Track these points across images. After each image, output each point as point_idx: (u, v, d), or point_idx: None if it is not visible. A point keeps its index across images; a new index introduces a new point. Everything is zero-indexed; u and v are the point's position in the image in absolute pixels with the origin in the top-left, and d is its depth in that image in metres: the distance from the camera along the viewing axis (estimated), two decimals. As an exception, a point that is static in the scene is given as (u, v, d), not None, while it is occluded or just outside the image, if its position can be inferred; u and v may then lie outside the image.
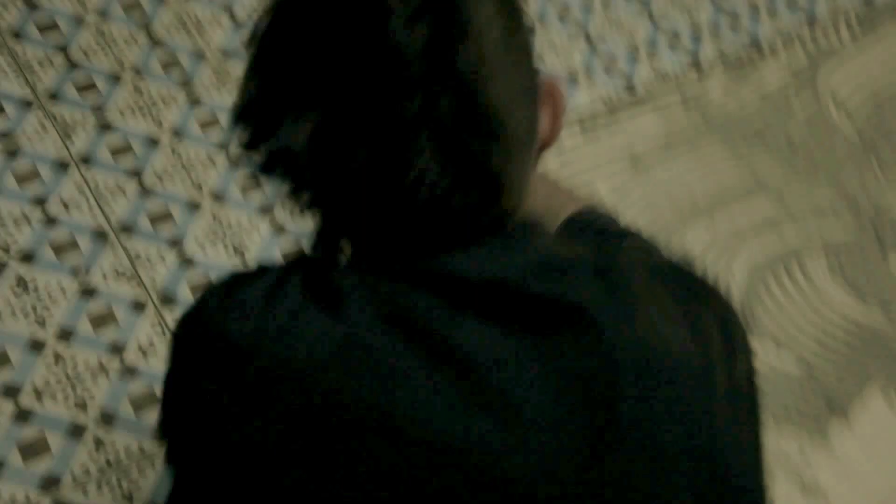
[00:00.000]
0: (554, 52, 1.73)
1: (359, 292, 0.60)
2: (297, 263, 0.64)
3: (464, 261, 0.61)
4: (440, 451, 0.55)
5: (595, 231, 0.90)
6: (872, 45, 1.81)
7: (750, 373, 0.67)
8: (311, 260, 0.65)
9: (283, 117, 0.59)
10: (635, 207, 1.64)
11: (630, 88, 1.69)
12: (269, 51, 0.61)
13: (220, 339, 0.62)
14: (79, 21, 1.51)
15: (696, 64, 1.73)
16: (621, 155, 1.67)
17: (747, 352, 0.67)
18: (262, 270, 0.64)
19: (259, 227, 1.45)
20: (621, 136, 1.68)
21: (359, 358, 0.57)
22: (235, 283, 0.65)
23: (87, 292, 1.26)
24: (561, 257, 0.63)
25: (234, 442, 0.59)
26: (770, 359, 1.52)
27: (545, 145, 0.70)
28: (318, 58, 0.58)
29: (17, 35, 1.48)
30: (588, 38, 1.76)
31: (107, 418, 1.21)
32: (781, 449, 1.51)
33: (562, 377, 0.58)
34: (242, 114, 0.62)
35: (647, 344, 0.60)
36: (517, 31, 0.63)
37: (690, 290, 0.67)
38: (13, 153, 1.36)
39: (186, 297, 1.33)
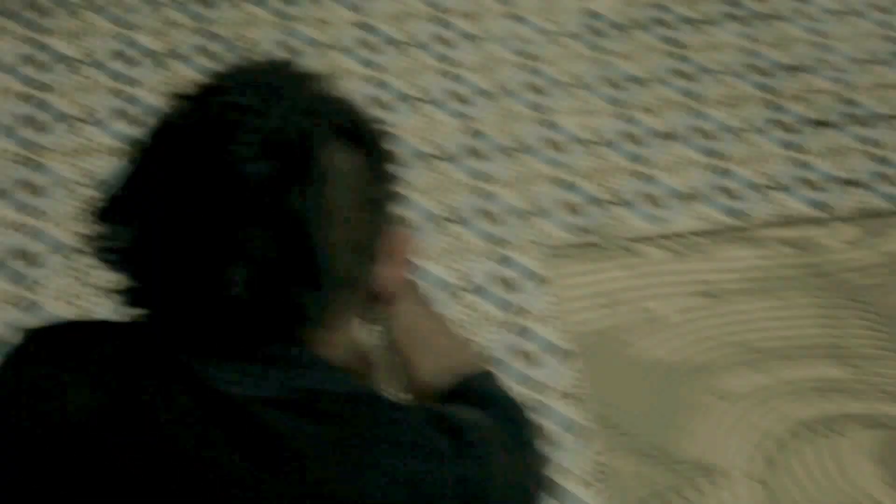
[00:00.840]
0: (675, 165, 1.76)
1: (119, 373, 0.68)
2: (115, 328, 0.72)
3: (225, 376, 0.66)
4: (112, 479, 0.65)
5: (479, 398, 0.93)
6: None
7: None
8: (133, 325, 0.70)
9: (121, 218, 0.65)
10: (695, 337, 1.65)
11: (739, 217, 1.69)
12: (134, 163, 0.67)
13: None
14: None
15: (826, 208, 1.70)
16: (703, 280, 1.69)
17: None
18: (75, 327, 0.73)
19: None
20: (711, 263, 1.70)
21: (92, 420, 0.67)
22: (44, 336, 0.75)
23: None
24: (307, 399, 0.68)
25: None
26: None
27: (381, 294, 0.75)
28: (168, 172, 0.64)
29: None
30: (715, 159, 1.77)
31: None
32: None
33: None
34: (98, 212, 0.67)
35: (339, 491, 0.65)
36: (372, 187, 0.68)
37: (451, 460, 0.70)
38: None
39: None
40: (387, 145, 0.71)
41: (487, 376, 0.94)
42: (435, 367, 0.93)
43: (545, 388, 1.63)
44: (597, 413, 1.62)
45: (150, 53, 1.84)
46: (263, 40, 1.95)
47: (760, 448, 1.57)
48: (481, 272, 1.72)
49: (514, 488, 0.77)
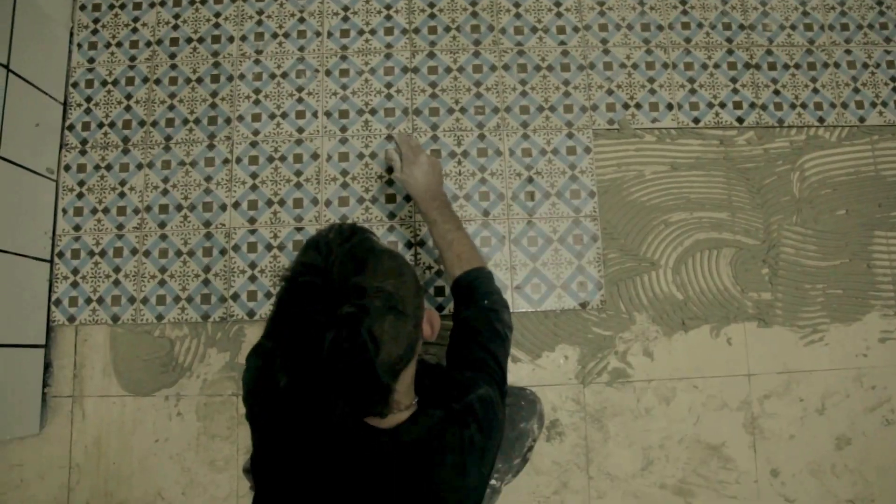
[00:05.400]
0: (668, 85, 1.99)
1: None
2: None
3: (366, 420, 0.95)
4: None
5: (476, 296, 1.22)
6: (844, 150, 2.00)
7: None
8: None
9: (278, 374, 0.86)
10: (660, 190, 1.94)
11: (695, 122, 1.98)
12: (272, 315, 0.89)
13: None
14: None
15: (741, 121, 1.98)
16: (670, 157, 1.97)
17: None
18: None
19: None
20: (675, 147, 1.98)
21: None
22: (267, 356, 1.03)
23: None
24: (397, 435, 0.96)
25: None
26: (667, 285, 1.90)
27: (428, 338, 0.98)
28: (293, 338, 0.83)
29: None
30: (689, 83, 2.03)
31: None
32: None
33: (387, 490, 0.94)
34: (260, 354, 1.03)
35: (428, 488, 0.94)
36: (403, 325, 0.86)
37: (479, 441, 1.00)
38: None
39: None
40: (414, 302, 0.90)
41: (483, 271, 1.30)
42: (457, 262, 1.32)
43: (581, 211, 1.93)
44: (603, 227, 1.93)
45: None
46: None
47: (679, 253, 1.92)
48: (558, 141, 1.98)
49: (502, 414, 1.06)
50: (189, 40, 2.03)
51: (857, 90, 2.05)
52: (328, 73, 2.00)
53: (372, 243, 0.90)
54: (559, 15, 2.08)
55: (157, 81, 1.99)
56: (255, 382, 1.04)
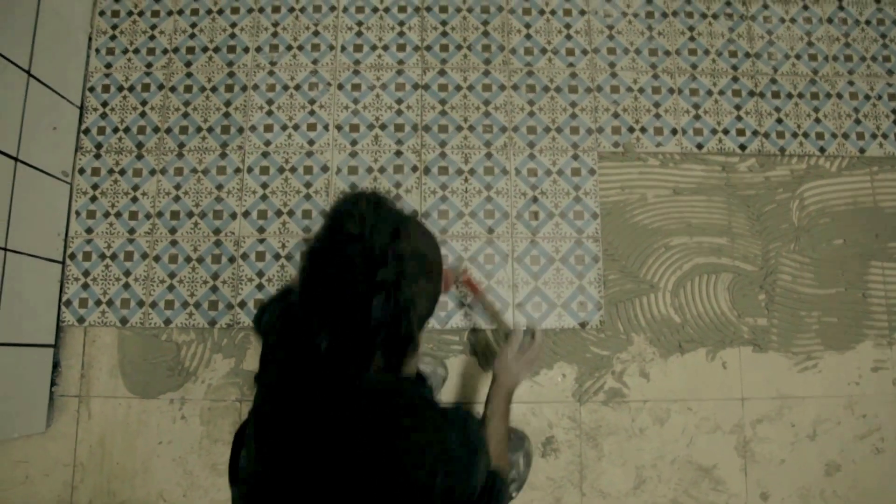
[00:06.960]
0: (673, 111, 2.03)
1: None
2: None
3: (367, 382, 0.96)
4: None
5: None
6: (843, 180, 2.02)
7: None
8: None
9: (312, 331, 0.89)
10: (662, 214, 1.98)
11: (698, 147, 2.02)
12: (306, 282, 0.90)
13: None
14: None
15: (743, 148, 2.02)
16: (673, 181, 2.00)
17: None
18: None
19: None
20: (678, 172, 2.01)
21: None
22: (279, 301, 1.11)
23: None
24: (396, 404, 0.96)
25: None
26: (665, 307, 1.90)
27: (443, 292, 1.00)
28: (333, 300, 0.87)
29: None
30: (693, 108, 2.06)
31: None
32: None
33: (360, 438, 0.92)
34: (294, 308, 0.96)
35: (390, 448, 0.93)
36: (432, 284, 0.93)
37: (459, 448, 0.98)
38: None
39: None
40: (438, 263, 0.96)
41: (500, 474, 1.22)
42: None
43: (583, 231, 1.97)
44: (604, 248, 1.97)
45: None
46: None
47: (678, 277, 1.95)
48: (564, 162, 2.01)
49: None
50: (205, 49, 2.07)
51: (858, 121, 2.09)
52: (340, 86, 2.04)
53: (398, 210, 0.94)
54: (569, 37, 2.12)
55: (173, 89, 2.03)
56: (279, 332, 1.07)
